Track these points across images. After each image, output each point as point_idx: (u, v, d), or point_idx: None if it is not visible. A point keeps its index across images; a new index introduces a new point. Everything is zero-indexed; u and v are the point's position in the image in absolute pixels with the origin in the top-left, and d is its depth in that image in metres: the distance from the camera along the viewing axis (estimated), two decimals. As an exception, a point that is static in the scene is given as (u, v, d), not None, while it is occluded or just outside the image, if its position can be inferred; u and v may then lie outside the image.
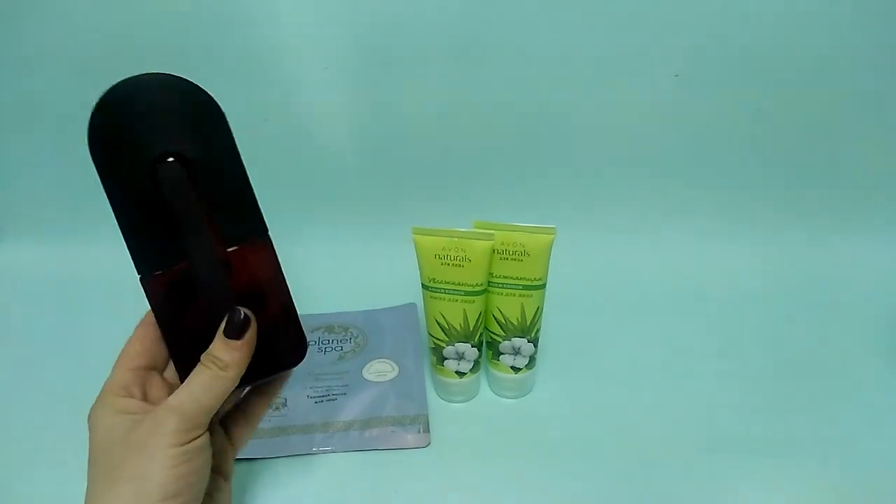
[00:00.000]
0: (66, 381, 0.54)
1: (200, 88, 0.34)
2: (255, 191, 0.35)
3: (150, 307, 0.34)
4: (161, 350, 0.35)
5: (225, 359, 0.33)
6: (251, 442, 0.47)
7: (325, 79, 0.63)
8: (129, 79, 0.33)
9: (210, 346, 0.33)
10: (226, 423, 0.38)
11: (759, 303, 0.63)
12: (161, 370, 0.36)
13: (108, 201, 0.33)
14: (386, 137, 0.66)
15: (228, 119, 0.35)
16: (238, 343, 0.33)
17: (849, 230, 0.69)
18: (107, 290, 0.65)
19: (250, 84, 0.63)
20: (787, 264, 0.68)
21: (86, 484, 0.32)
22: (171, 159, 0.33)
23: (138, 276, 0.34)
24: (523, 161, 0.67)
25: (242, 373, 0.34)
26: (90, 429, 0.33)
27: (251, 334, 0.34)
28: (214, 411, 0.33)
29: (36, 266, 0.69)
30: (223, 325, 0.33)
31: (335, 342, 0.57)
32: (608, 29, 0.61)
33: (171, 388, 0.35)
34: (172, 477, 0.31)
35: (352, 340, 0.57)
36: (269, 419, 0.49)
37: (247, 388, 0.38)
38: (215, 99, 0.34)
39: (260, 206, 0.35)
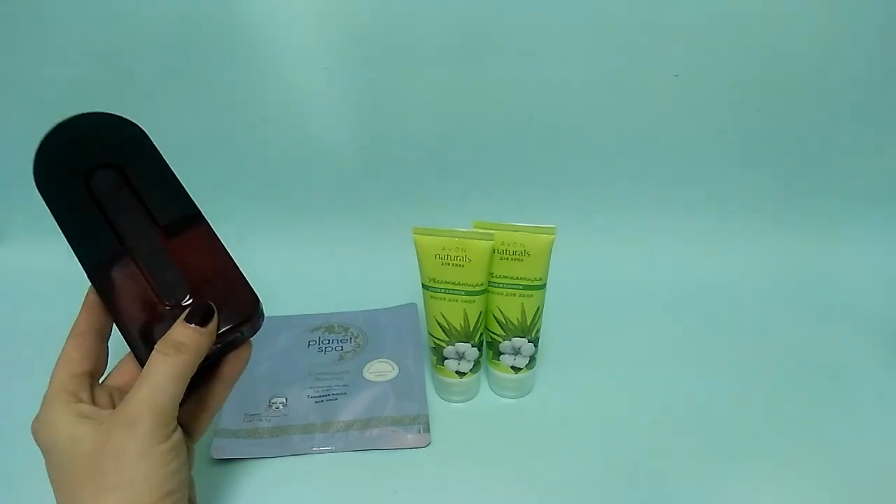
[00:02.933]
0: (67, 381, 0.54)
1: (118, 116, 0.40)
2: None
3: (82, 316, 0.37)
4: (98, 356, 0.35)
5: (185, 341, 0.33)
6: (251, 442, 0.47)
7: (325, 79, 0.63)
8: (60, 121, 0.40)
9: (168, 333, 0.33)
10: (181, 413, 0.36)
11: (758, 303, 0.63)
12: (98, 377, 0.36)
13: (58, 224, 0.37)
14: (386, 137, 0.66)
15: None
16: (201, 328, 0.33)
17: (848, 230, 0.69)
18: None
19: (250, 84, 0.63)
20: (786, 264, 0.68)
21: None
22: (102, 170, 0.38)
23: (86, 276, 0.36)
24: (523, 161, 0.67)
25: (201, 358, 0.33)
26: (46, 440, 0.32)
27: (213, 325, 0.34)
28: (179, 399, 0.32)
29: (36, 266, 0.69)
30: (184, 314, 0.34)
31: (335, 342, 0.57)
32: (608, 29, 0.61)
33: (114, 393, 0.35)
34: (166, 476, 0.31)
35: (352, 340, 0.57)
36: (269, 419, 0.49)
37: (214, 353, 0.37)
38: (133, 121, 0.40)
39: (189, 193, 0.38)
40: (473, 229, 0.46)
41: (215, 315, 0.34)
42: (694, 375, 0.54)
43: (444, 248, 0.45)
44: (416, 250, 0.47)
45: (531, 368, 0.51)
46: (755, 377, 0.54)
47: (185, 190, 0.38)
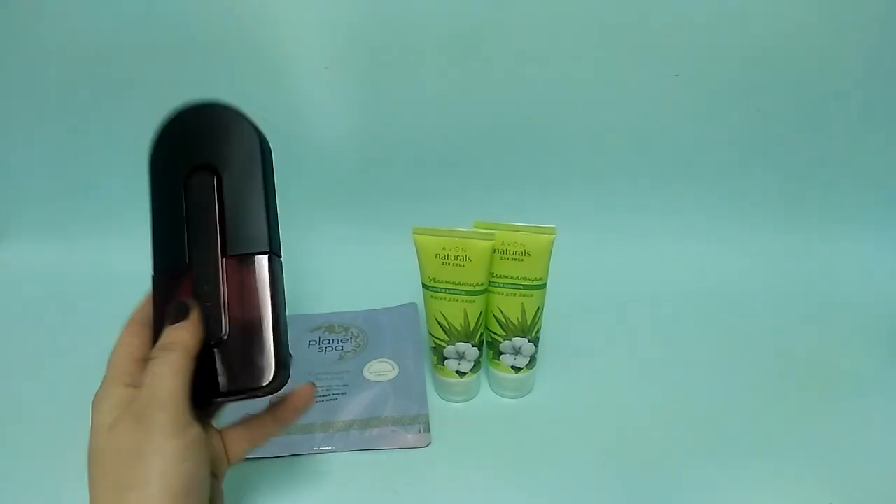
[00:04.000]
0: (66, 381, 0.54)
1: (248, 119, 0.37)
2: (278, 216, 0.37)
3: (144, 306, 0.36)
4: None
5: (172, 340, 0.33)
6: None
7: (325, 79, 0.63)
8: (190, 105, 0.37)
9: (161, 339, 0.34)
10: (225, 433, 0.37)
11: (758, 302, 0.63)
12: None
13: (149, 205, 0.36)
14: (386, 137, 0.66)
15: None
16: (181, 322, 0.33)
17: (849, 230, 0.69)
18: (107, 289, 0.65)
19: (250, 84, 0.63)
20: (787, 264, 0.68)
21: (83, 487, 0.31)
22: (204, 171, 0.36)
23: (151, 274, 0.35)
24: (523, 161, 0.67)
25: (194, 352, 0.33)
26: (97, 424, 0.32)
27: (194, 315, 0.34)
28: (187, 397, 0.32)
29: (36, 266, 0.69)
30: (168, 319, 0.34)
31: (335, 342, 0.57)
32: (608, 29, 0.61)
33: None
34: (181, 474, 0.30)
35: (352, 340, 0.57)
36: (269, 419, 0.49)
37: (224, 402, 0.37)
38: (260, 129, 0.38)
39: (277, 223, 0.37)
40: (473, 229, 0.46)
41: (190, 308, 0.34)
42: (694, 375, 0.54)
43: (444, 248, 0.45)
44: (417, 250, 0.47)
45: (531, 368, 0.51)
46: (755, 377, 0.54)
47: (269, 219, 0.36)
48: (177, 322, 0.34)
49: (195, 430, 0.32)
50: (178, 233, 0.35)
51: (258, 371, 0.34)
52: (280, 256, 0.36)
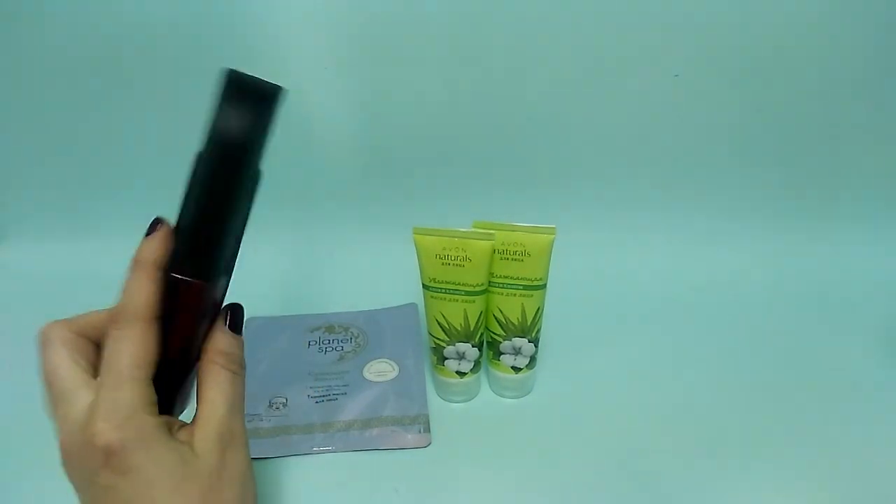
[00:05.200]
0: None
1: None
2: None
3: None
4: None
5: (239, 354, 0.32)
6: (251, 441, 0.47)
7: (325, 79, 0.63)
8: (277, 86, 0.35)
9: (222, 344, 0.32)
10: None
11: (758, 303, 0.63)
12: None
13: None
14: (386, 137, 0.66)
15: None
16: (241, 338, 0.33)
17: (849, 230, 0.69)
18: (107, 289, 0.65)
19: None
20: (786, 264, 0.68)
21: None
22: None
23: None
24: (523, 161, 0.67)
25: (160, 263, 0.32)
26: (131, 451, 0.29)
27: (162, 229, 0.32)
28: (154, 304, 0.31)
29: (36, 266, 0.69)
30: (224, 317, 0.33)
31: (335, 342, 0.57)
32: (608, 29, 0.61)
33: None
34: (255, 490, 0.31)
35: (352, 340, 0.57)
36: (269, 419, 0.49)
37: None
38: (260, 170, 0.36)
39: (219, 256, 0.34)
40: (473, 229, 0.46)
41: (162, 222, 0.32)
42: (694, 375, 0.54)
43: (444, 248, 0.45)
44: (417, 250, 0.47)
45: (531, 368, 0.51)
46: (755, 377, 0.54)
47: (217, 250, 0.33)
48: (238, 330, 0.33)
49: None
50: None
51: (171, 400, 0.34)
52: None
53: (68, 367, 0.31)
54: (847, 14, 0.60)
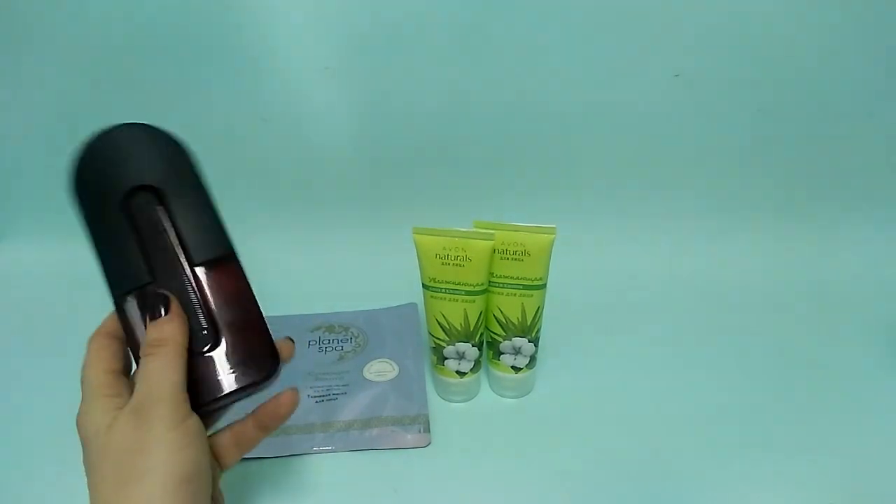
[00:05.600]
0: (67, 381, 0.54)
1: (164, 131, 0.37)
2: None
3: (108, 320, 0.35)
4: (126, 357, 0.35)
5: (160, 336, 0.33)
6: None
7: (325, 79, 0.63)
8: (103, 130, 0.37)
9: (146, 339, 0.33)
10: (215, 438, 0.37)
11: (759, 302, 0.63)
12: (128, 374, 0.36)
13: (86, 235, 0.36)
14: (386, 137, 0.66)
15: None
16: (164, 318, 0.33)
17: (849, 230, 0.69)
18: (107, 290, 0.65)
19: (250, 84, 0.63)
20: (787, 264, 0.68)
21: (86, 486, 0.32)
22: (142, 191, 0.36)
23: (111, 297, 0.35)
24: (523, 161, 0.67)
25: (184, 342, 0.33)
26: (86, 434, 0.32)
27: (175, 306, 0.34)
28: (185, 389, 0.33)
29: (36, 266, 0.69)
30: (148, 316, 0.34)
31: (335, 342, 0.57)
32: (608, 29, 0.61)
33: None
34: (183, 462, 0.31)
35: (352, 340, 0.57)
36: (269, 419, 0.49)
37: (230, 402, 0.36)
38: (180, 138, 0.37)
39: (228, 230, 0.37)
40: (473, 229, 0.46)
41: (171, 299, 0.34)
42: (694, 375, 0.54)
43: (444, 248, 0.45)
44: (417, 250, 0.47)
45: (531, 368, 0.51)
46: (755, 376, 0.54)
47: (222, 223, 0.36)
48: (159, 317, 0.34)
49: (195, 419, 0.32)
50: (130, 252, 0.35)
51: (266, 362, 0.35)
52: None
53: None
54: (847, 13, 0.60)
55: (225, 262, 0.36)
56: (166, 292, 0.34)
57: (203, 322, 0.35)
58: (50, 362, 0.56)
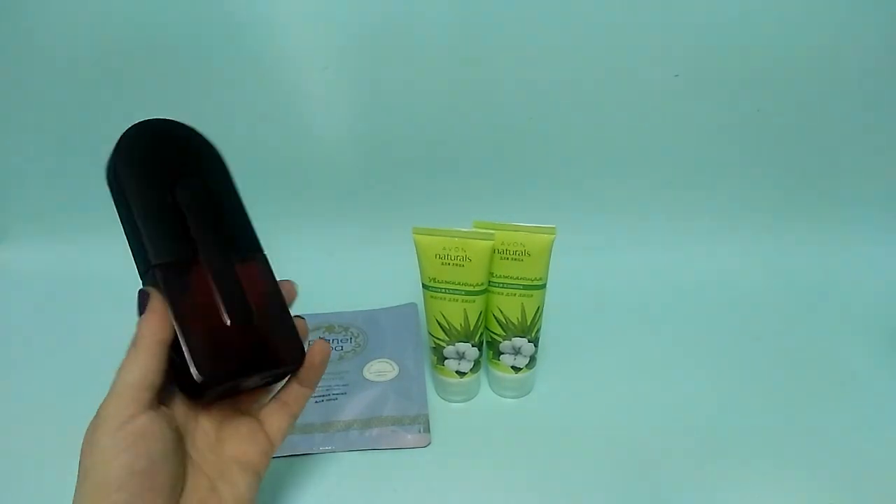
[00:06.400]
0: (67, 381, 0.54)
1: (202, 136, 0.39)
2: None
3: (150, 319, 0.34)
4: (165, 370, 0.34)
5: (136, 332, 0.33)
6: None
7: (325, 79, 0.63)
8: (142, 122, 0.38)
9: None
10: (262, 413, 0.38)
11: (759, 303, 0.63)
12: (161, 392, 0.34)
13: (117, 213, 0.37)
14: (386, 137, 0.66)
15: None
16: (145, 314, 0.33)
17: (848, 230, 0.69)
18: (107, 289, 0.65)
19: (250, 84, 0.63)
20: (787, 265, 0.68)
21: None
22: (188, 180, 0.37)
23: (146, 271, 0.35)
24: (523, 161, 0.67)
25: (162, 339, 0.33)
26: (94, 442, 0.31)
27: (153, 304, 0.33)
28: (149, 386, 0.32)
29: (36, 266, 0.69)
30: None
31: (335, 342, 0.57)
32: (608, 29, 0.61)
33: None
34: (116, 467, 0.30)
35: (352, 340, 0.57)
36: (269, 419, 0.49)
37: (258, 384, 0.38)
38: (212, 142, 0.40)
39: (255, 230, 0.39)
40: (473, 229, 0.46)
41: (151, 295, 0.34)
42: (694, 375, 0.54)
43: (444, 248, 0.45)
44: (416, 250, 0.47)
45: (531, 368, 0.51)
46: (755, 377, 0.54)
47: (251, 224, 0.39)
48: (140, 313, 0.33)
49: (141, 422, 0.31)
50: (176, 227, 0.36)
51: (294, 354, 0.37)
52: None
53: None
54: (848, 13, 0.60)
55: (258, 258, 0.38)
56: (147, 289, 0.34)
57: (235, 302, 0.35)
58: (50, 362, 0.57)
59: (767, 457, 0.46)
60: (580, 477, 0.45)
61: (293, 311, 0.38)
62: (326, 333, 0.58)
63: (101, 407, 0.31)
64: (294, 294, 0.39)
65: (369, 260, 0.68)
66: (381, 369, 0.53)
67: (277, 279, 0.38)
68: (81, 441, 0.32)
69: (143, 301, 0.34)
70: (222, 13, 0.60)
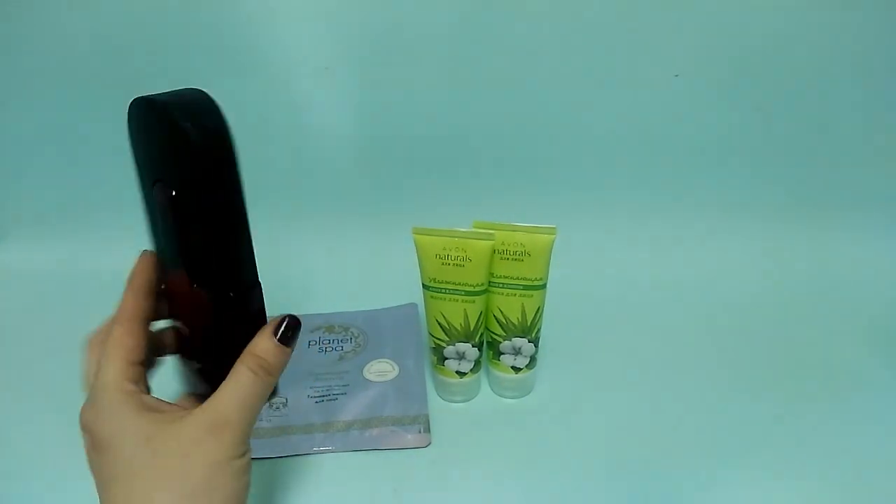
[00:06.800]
0: (67, 381, 0.54)
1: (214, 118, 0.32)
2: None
3: (128, 296, 0.34)
4: (146, 345, 0.33)
5: (273, 362, 0.32)
6: (252, 442, 0.47)
7: (326, 79, 0.63)
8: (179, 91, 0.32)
9: (257, 347, 0.32)
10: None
11: (759, 303, 0.63)
12: (147, 367, 0.34)
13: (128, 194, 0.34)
14: (386, 137, 0.66)
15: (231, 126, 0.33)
16: (287, 349, 0.33)
17: (849, 230, 0.69)
18: (107, 289, 0.65)
19: (250, 84, 0.63)
20: (787, 264, 0.68)
21: (93, 486, 0.31)
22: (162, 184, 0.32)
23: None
24: (523, 161, 0.67)
25: (140, 315, 0.33)
26: (101, 429, 0.30)
27: (295, 343, 0.33)
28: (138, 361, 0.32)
29: (36, 266, 0.69)
30: (275, 325, 0.33)
31: (335, 342, 0.57)
32: (608, 29, 0.61)
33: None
34: (236, 490, 0.30)
35: (352, 340, 0.57)
36: (269, 419, 0.49)
37: None
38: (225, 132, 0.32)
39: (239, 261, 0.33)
40: (473, 229, 0.46)
41: (299, 328, 0.33)
42: (694, 376, 0.54)
43: (444, 248, 0.45)
44: (417, 250, 0.47)
45: (531, 368, 0.51)
46: (755, 377, 0.54)
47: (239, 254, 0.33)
48: (284, 342, 0.33)
49: (250, 453, 0.32)
50: (154, 231, 0.34)
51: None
52: None
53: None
54: (847, 13, 0.60)
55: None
56: (297, 316, 0.34)
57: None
58: (50, 362, 0.57)
59: (767, 457, 0.46)
60: (580, 477, 0.45)
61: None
62: (326, 333, 0.58)
63: (218, 429, 0.30)
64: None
65: (369, 260, 0.68)
66: (381, 369, 0.53)
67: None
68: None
69: (294, 331, 0.34)
70: (222, 13, 0.60)
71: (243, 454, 0.31)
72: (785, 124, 0.65)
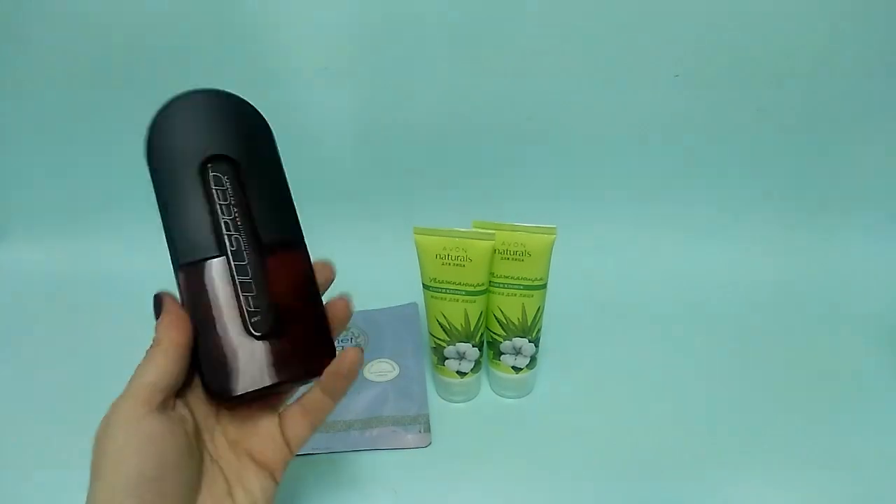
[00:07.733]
0: (67, 381, 0.54)
1: (246, 102, 0.37)
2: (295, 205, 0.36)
3: (169, 325, 0.33)
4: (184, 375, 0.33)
5: (155, 335, 0.32)
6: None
7: (326, 79, 0.63)
8: (186, 92, 0.36)
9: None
10: (284, 414, 0.36)
11: (759, 302, 0.63)
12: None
13: (155, 198, 0.34)
14: (386, 137, 0.66)
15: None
16: (161, 318, 0.33)
17: (849, 230, 0.69)
18: (107, 290, 0.66)
19: (250, 83, 0.62)
20: (787, 264, 0.68)
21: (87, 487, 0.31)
22: (219, 161, 0.35)
23: (177, 265, 0.34)
24: (523, 161, 0.67)
25: (180, 342, 0.32)
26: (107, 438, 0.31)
27: (168, 306, 0.33)
28: (164, 388, 0.31)
29: (36, 266, 0.69)
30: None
31: (335, 342, 0.57)
32: (608, 29, 0.61)
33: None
34: (126, 471, 0.29)
35: (352, 340, 0.57)
36: (269, 419, 0.49)
37: (286, 388, 0.36)
38: (261, 114, 0.37)
39: (297, 211, 0.36)
40: (473, 229, 0.46)
41: (164, 299, 0.33)
42: (694, 376, 0.54)
43: (444, 248, 0.45)
44: (417, 250, 0.47)
45: (532, 368, 0.51)
46: (756, 377, 0.54)
47: (294, 206, 0.36)
48: (157, 316, 0.33)
49: (154, 424, 0.31)
50: (203, 222, 0.34)
51: (321, 358, 0.34)
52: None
53: None
54: (847, 13, 0.60)
55: (292, 248, 0.35)
56: (162, 293, 0.34)
57: (259, 305, 0.34)
58: (50, 363, 0.57)
59: (768, 457, 0.46)
60: (580, 477, 0.45)
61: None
62: (326, 333, 0.58)
63: (113, 405, 0.31)
64: (330, 277, 0.37)
65: (369, 260, 0.68)
66: (381, 369, 0.53)
67: (313, 260, 0.36)
68: (87, 440, 0.31)
69: (157, 305, 0.33)
70: (222, 13, 0.60)
71: (149, 413, 0.31)
72: (786, 123, 0.65)
